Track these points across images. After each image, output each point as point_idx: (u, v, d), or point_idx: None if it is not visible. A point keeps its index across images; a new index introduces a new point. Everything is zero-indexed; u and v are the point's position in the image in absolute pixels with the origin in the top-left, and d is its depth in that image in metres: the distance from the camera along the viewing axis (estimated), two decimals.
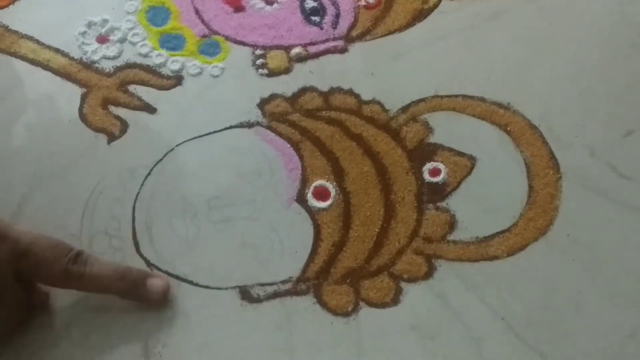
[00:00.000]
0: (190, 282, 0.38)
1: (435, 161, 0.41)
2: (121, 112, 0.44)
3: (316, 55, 0.46)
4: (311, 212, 0.40)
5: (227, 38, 0.47)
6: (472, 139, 0.42)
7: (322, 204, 0.40)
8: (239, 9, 0.49)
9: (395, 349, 0.35)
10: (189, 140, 0.43)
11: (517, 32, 0.47)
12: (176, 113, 0.44)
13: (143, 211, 0.40)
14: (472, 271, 0.38)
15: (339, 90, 0.45)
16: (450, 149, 0.42)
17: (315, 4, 0.49)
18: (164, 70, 0.46)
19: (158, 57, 0.46)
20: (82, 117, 0.44)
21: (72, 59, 0.46)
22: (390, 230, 0.39)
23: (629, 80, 0.44)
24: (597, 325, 0.36)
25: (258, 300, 0.37)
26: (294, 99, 0.44)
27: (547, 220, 0.39)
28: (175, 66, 0.46)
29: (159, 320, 0.36)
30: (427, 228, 0.39)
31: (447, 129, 0.43)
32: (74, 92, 0.45)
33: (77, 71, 0.46)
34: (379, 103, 0.44)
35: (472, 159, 0.41)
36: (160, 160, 0.42)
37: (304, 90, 0.45)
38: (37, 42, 0.47)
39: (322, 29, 0.48)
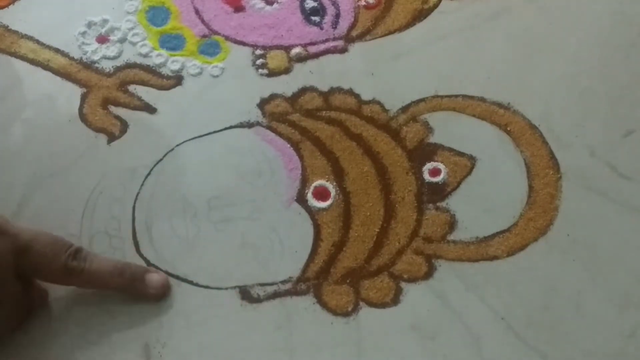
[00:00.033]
0: (190, 282, 0.38)
1: (435, 161, 0.41)
2: (121, 112, 0.44)
3: (316, 55, 0.46)
4: (311, 212, 0.40)
5: (227, 38, 0.47)
6: (472, 139, 0.42)
7: (322, 204, 0.40)
8: (239, 9, 0.49)
9: (395, 349, 0.35)
10: (189, 140, 0.43)
11: (517, 32, 0.47)
12: (176, 113, 0.44)
13: (143, 211, 0.40)
14: (472, 271, 0.38)
15: (339, 90, 0.45)
16: (450, 149, 0.42)
17: (315, 4, 0.49)
18: (164, 70, 0.46)
19: (158, 57, 0.46)
20: (82, 117, 0.44)
21: (72, 59, 0.46)
22: (390, 230, 0.39)
23: (629, 80, 0.44)
24: (597, 325, 0.36)
25: (258, 300, 0.37)
26: (294, 99, 0.44)
27: (547, 220, 0.39)
28: (175, 66, 0.46)
29: (159, 320, 0.36)
30: (427, 228, 0.39)
31: (447, 129, 0.43)
32: (74, 92, 0.45)
33: (77, 71, 0.46)
34: (379, 103, 0.44)
35: (472, 159, 0.41)
36: (160, 160, 0.42)
37: (304, 90, 0.45)
38: (37, 42, 0.47)
39: (322, 29, 0.48)
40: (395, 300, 0.37)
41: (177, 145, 0.43)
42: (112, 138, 0.43)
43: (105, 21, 0.48)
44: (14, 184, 0.41)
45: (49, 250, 0.34)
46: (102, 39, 0.47)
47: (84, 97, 0.45)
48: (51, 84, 0.45)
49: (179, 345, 0.36)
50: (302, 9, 0.49)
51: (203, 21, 0.48)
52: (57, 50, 0.47)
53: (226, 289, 0.38)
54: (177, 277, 0.38)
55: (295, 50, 0.46)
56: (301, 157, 0.42)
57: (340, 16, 0.48)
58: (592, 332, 0.35)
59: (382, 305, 0.37)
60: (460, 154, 0.42)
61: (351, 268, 0.38)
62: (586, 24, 0.47)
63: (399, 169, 0.41)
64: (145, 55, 0.46)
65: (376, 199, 0.40)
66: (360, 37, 0.47)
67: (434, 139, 0.42)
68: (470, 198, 0.40)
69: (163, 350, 0.36)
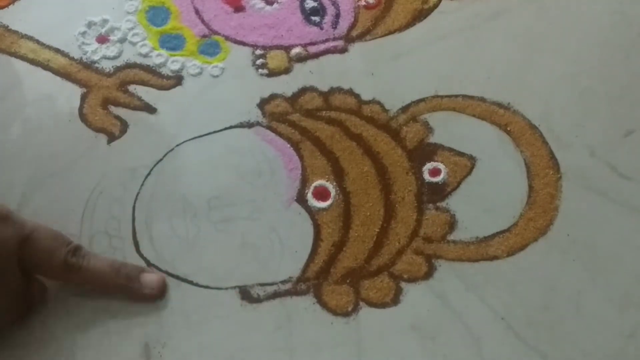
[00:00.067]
0: (190, 282, 0.38)
1: (435, 161, 0.41)
2: (121, 112, 0.44)
3: (316, 55, 0.46)
4: (311, 212, 0.40)
5: (227, 38, 0.47)
6: (472, 139, 0.42)
7: (322, 204, 0.40)
8: (239, 9, 0.49)
9: (395, 349, 0.35)
10: (189, 140, 0.43)
11: (517, 32, 0.47)
12: (176, 113, 0.44)
13: (143, 211, 0.40)
14: (472, 271, 0.38)
15: (339, 90, 0.45)
16: (450, 149, 0.42)
17: (315, 4, 0.49)
18: (164, 70, 0.46)
19: (158, 57, 0.46)
20: (82, 117, 0.44)
21: (72, 59, 0.46)
22: (390, 230, 0.39)
23: (629, 80, 0.44)
24: (597, 325, 0.36)
25: (258, 300, 0.37)
26: (294, 99, 0.44)
27: (547, 220, 0.39)
28: (175, 66, 0.46)
29: (159, 320, 0.36)
30: (427, 228, 0.39)
31: (447, 129, 0.43)
32: (74, 92, 0.45)
33: (77, 71, 0.46)
34: (379, 103, 0.44)
35: (472, 159, 0.41)
36: (160, 160, 0.42)
37: (304, 90, 0.45)
38: (37, 42, 0.47)
39: (322, 29, 0.48)
40: (395, 300, 0.37)
41: (177, 145, 0.43)
42: (112, 138, 0.43)
43: (105, 21, 0.48)
44: (14, 184, 0.41)
45: (50, 244, 0.35)
46: (102, 39, 0.47)
47: (84, 97, 0.44)
48: (51, 84, 0.45)
49: (179, 345, 0.36)
50: (302, 9, 0.49)
51: (203, 21, 0.48)
52: (57, 50, 0.47)
53: (226, 289, 0.38)
54: (177, 277, 0.38)
55: (295, 50, 0.46)
56: (301, 157, 0.42)
57: (340, 16, 0.48)
58: (592, 332, 0.35)
59: (382, 305, 0.37)
60: (460, 154, 0.42)
61: (351, 268, 0.38)
62: (586, 24, 0.47)
63: (399, 169, 0.41)
64: (145, 55, 0.46)
65: (376, 199, 0.40)
66: (360, 37, 0.47)
67: (434, 139, 0.42)
68: (470, 198, 0.40)
69: (163, 350, 0.36)
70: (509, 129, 0.42)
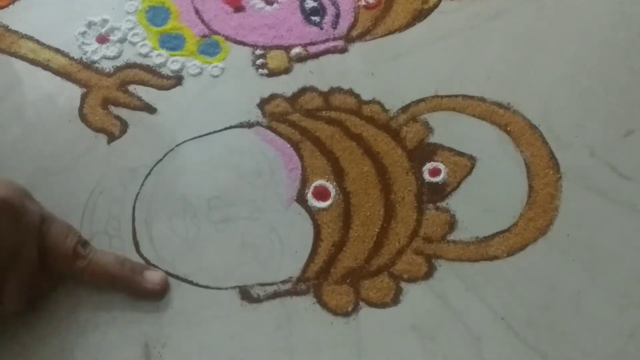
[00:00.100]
0: (190, 282, 0.38)
1: (435, 161, 0.41)
2: (121, 112, 0.44)
3: (316, 55, 0.46)
4: (311, 212, 0.40)
5: (227, 38, 0.47)
6: (472, 139, 0.42)
7: (322, 204, 0.40)
8: (239, 9, 0.49)
9: (395, 349, 0.35)
10: (189, 140, 0.43)
11: (517, 32, 0.47)
12: (176, 113, 0.44)
13: (143, 211, 0.40)
14: (472, 271, 0.38)
15: (339, 90, 0.45)
16: (450, 149, 0.42)
17: (315, 4, 0.49)
18: (164, 70, 0.46)
19: (158, 57, 0.46)
20: (82, 117, 0.44)
21: (72, 59, 0.46)
22: (390, 230, 0.39)
23: (629, 80, 0.44)
24: (597, 325, 0.36)
25: (258, 300, 0.37)
26: (294, 99, 0.44)
27: (547, 220, 0.39)
28: (175, 66, 0.46)
29: (159, 320, 0.36)
30: (427, 228, 0.39)
31: (447, 129, 0.43)
32: (74, 92, 0.45)
33: (77, 71, 0.46)
34: (379, 103, 0.44)
35: (472, 159, 0.41)
36: (160, 160, 0.42)
37: (304, 90, 0.45)
38: (37, 42, 0.47)
39: (322, 29, 0.48)
40: (395, 300, 0.37)
41: (177, 145, 0.43)
42: (112, 138, 0.43)
43: (105, 21, 0.48)
44: None
45: (63, 230, 0.36)
46: (102, 39, 0.47)
47: (84, 97, 0.44)
48: (51, 84, 0.45)
49: (179, 345, 0.36)
50: (302, 9, 0.49)
51: (203, 21, 0.48)
52: (57, 50, 0.47)
53: (226, 289, 0.38)
54: (177, 277, 0.38)
55: (295, 50, 0.46)
56: (301, 157, 0.42)
57: (340, 16, 0.48)
58: (592, 332, 0.35)
59: (382, 305, 0.37)
60: (460, 154, 0.42)
61: (351, 268, 0.38)
62: (586, 24, 0.47)
63: (399, 169, 0.41)
64: (145, 55, 0.46)
65: (376, 199, 0.40)
66: (360, 37, 0.47)
67: (434, 139, 0.42)
68: (470, 198, 0.40)
69: (163, 350, 0.36)
70: (509, 129, 0.42)
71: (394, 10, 0.48)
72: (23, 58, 0.46)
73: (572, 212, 0.39)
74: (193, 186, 0.41)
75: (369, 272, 0.38)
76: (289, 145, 0.42)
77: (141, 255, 0.38)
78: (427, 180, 0.41)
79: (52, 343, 0.36)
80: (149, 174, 0.41)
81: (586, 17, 0.47)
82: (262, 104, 0.44)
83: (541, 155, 0.41)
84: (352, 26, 0.48)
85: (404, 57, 0.46)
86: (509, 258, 0.38)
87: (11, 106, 0.44)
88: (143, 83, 0.45)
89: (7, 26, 0.48)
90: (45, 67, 0.46)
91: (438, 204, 0.40)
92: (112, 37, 0.47)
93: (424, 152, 0.42)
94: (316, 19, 0.48)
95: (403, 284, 0.37)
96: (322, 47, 0.47)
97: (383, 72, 0.45)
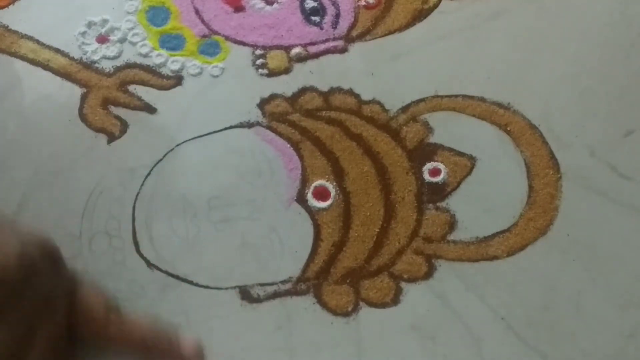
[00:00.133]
0: (190, 282, 0.38)
1: (435, 161, 0.41)
2: (121, 112, 0.44)
3: (316, 55, 0.46)
4: (311, 212, 0.40)
5: (227, 38, 0.47)
6: (472, 139, 0.42)
7: (322, 204, 0.40)
8: (239, 9, 0.49)
9: (395, 349, 0.35)
10: (189, 140, 0.43)
11: (517, 32, 0.47)
12: (176, 113, 0.44)
13: (143, 211, 0.40)
14: (472, 271, 0.38)
15: (339, 90, 0.45)
16: (450, 149, 0.42)
17: (315, 4, 0.49)
18: (164, 70, 0.46)
19: (158, 57, 0.46)
20: (82, 117, 0.44)
21: (72, 59, 0.46)
22: (390, 230, 0.39)
23: (629, 80, 0.44)
24: (597, 325, 0.36)
25: (258, 300, 0.37)
26: (294, 99, 0.44)
27: (547, 220, 0.39)
28: (175, 66, 0.46)
29: (159, 320, 0.36)
30: (427, 228, 0.39)
31: (447, 129, 0.43)
32: (74, 92, 0.45)
33: (77, 71, 0.46)
34: (379, 103, 0.44)
35: (472, 159, 0.41)
36: (160, 160, 0.42)
37: (304, 90, 0.45)
38: (37, 42, 0.47)
39: (322, 29, 0.48)
40: (395, 300, 0.37)
41: (177, 145, 0.43)
42: (112, 138, 0.43)
43: (105, 21, 0.48)
44: (14, 184, 0.41)
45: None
46: (102, 39, 0.47)
47: (84, 97, 0.44)
48: (51, 84, 0.45)
49: None
50: (302, 9, 0.49)
51: (203, 21, 0.48)
52: (57, 50, 0.47)
53: (226, 289, 0.38)
54: (177, 277, 0.38)
55: (295, 50, 0.46)
56: (301, 157, 0.42)
57: (340, 16, 0.48)
58: (592, 332, 0.35)
59: (382, 305, 0.37)
60: (460, 154, 0.42)
61: (351, 268, 0.38)
62: (586, 23, 0.47)
63: (399, 169, 0.41)
64: (145, 55, 0.46)
65: (376, 199, 0.40)
66: (360, 37, 0.47)
67: (434, 139, 0.42)
68: (470, 198, 0.40)
69: None
70: (509, 129, 0.42)
71: (394, 10, 0.48)
72: (23, 58, 0.46)
73: (572, 212, 0.39)
74: (193, 186, 0.41)
75: (369, 272, 0.38)
76: (289, 145, 0.42)
77: (141, 255, 0.38)
78: (427, 180, 0.41)
79: None
80: (149, 174, 0.41)
81: (586, 17, 0.47)
82: (262, 104, 0.44)
83: (541, 155, 0.41)
84: (352, 26, 0.48)
85: (404, 57, 0.46)
86: (509, 258, 0.38)
87: (11, 106, 0.44)
88: (143, 83, 0.45)
89: (7, 26, 0.48)
90: (45, 67, 0.46)
91: (438, 204, 0.40)
92: (112, 37, 0.47)
93: (424, 152, 0.42)
94: (316, 19, 0.48)
95: (403, 284, 0.37)
96: (322, 47, 0.47)
97: (383, 72, 0.45)
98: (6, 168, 0.42)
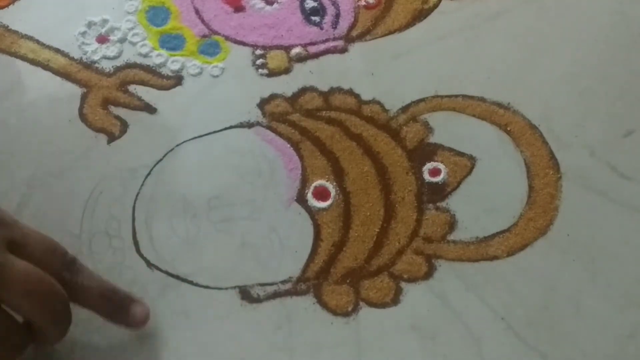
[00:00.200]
0: (190, 282, 0.38)
1: (435, 161, 0.41)
2: (121, 112, 0.44)
3: (316, 55, 0.46)
4: (311, 212, 0.40)
5: (227, 38, 0.47)
6: (472, 139, 0.42)
7: (322, 204, 0.40)
8: (239, 9, 0.49)
9: (395, 349, 0.35)
10: (189, 140, 0.43)
11: (517, 32, 0.47)
12: (176, 113, 0.44)
13: (143, 211, 0.40)
14: (472, 271, 0.38)
15: (339, 90, 0.45)
16: (450, 149, 0.42)
17: (315, 4, 0.49)
18: (164, 70, 0.46)
19: (158, 57, 0.46)
20: (82, 117, 0.44)
21: (72, 59, 0.46)
22: (390, 230, 0.39)
23: (629, 80, 0.44)
24: (597, 325, 0.36)
25: (258, 300, 0.37)
26: (294, 99, 0.44)
27: (547, 220, 0.39)
28: (175, 66, 0.46)
29: (158, 320, 0.36)
30: (427, 228, 0.39)
31: (447, 129, 0.43)
32: (74, 92, 0.45)
33: (77, 71, 0.46)
34: (379, 103, 0.44)
35: (472, 159, 0.41)
36: (160, 160, 0.42)
37: (304, 90, 0.45)
38: (37, 42, 0.47)
39: (322, 29, 0.48)
40: (395, 300, 0.37)
41: (177, 145, 0.43)
42: (112, 138, 0.43)
43: (105, 21, 0.48)
44: (14, 184, 0.41)
45: (43, 255, 0.32)
46: (102, 39, 0.47)
47: (84, 97, 0.44)
48: (51, 84, 0.45)
49: (179, 345, 0.36)
50: (302, 9, 0.49)
51: (203, 21, 0.48)
52: (57, 50, 0.47)
53: (226, 289, 0.38)
54: (177, 277, 0.38)
55: (295, 50, 0.46)
56: (301, 157, 0.42)
57: (340, 16, 0.48)
58: (592, 332, 0.35)
59: (382, 305, 0.37)
60: (460, 154, 0.42)
61: (351, 268, 0.38)
62: (586, 24, 0.47)
63: (399, 169, 0.41)
64: (145, 55, 0.46)
65: (376, 199, 0.40)
66: (360, 37, 0.47)
67: (434, 139, 0.42)
68: (470, 198, 0.40)
69: (163, 350, 0.36)
70: (509, 129, 0.42)
71: (394, 10, 0.48)
72: (23, 58, 0.46)
73: (572, 212, 0.39)
74: (193, 186, 0.41)
75: (369, 272, 0.38)
76: (289, 145, 0.42)
77: (141, 255, 0.38)
78: (427, 180, 0.41)
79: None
80: (149, 174, 0.41)
81: (586, 17, 0.47)
82: (262, 104, 0.44)
83: (541, 155, 0.41)
84: (352, 26, 0.48)
85: (404, 57, 0.46)
86: (509, 258, 0.38)
87: (11, 106, 0.44)
88: (143, 83, 0.45)
89: (7, 26, 0.48)
90: (45, 67, 0.46)
91: (438, 204, 0.40)
92: (112, 37, 0.47)
93: (424, 152, 0.42)
94: (316, 19, 0.48)
95: (403, 284, 0.37)
96: (322, 47, 0.47)
97: (383, 72, 0.45)
98: (6, 168, 0.42)
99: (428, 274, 0.38)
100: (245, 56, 0.46)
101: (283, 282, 0.38)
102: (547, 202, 0.39)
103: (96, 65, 0.46)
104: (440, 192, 0.40)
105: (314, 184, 0.41)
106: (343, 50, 0.47)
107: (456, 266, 0.38)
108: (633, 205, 0.39)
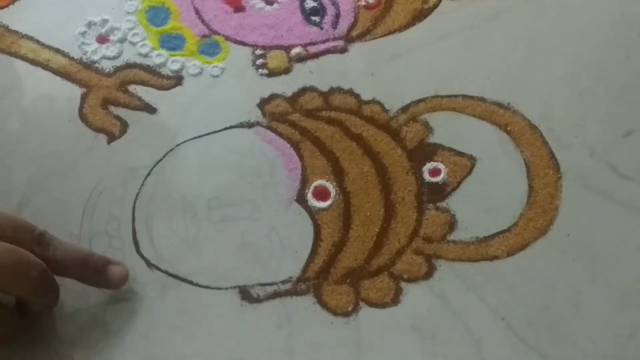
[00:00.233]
0: (190, 282, 0.38)
1: (435, 161, 0.41)
2: (121, 112, 0.44)
3: (316, 55, 0.46)
4: (311, 212, 0.40)
5: (227, 38, 0.47)
6: (472, 139, 0.42)
7: (322, 204, 0.40)
8: (239, 9, 0.49)
9: (395, 349, 0.35)
10: (189, 140, 0.43)
11: (517, 32, 0.47)
12: (176, 113, 0.44)
13: (143, 211, 0.40)
14: (472, 271, 0.38)
15: (339, 90, 0.45)
16: (450, 149, 0.42)
17: (315, 4, 0.49)
18: (164, 70, 0.46)
19: (158, 57, 0.46)
20: (82, 117, 0.44)
21: (72, 59, 0.46)
22: (390, 230, 0.39)
23: (629, 80, 0.44)
24: (597, 325, 0.36)
25: (258, 300, 0.37)
26: (294, 99, 0.44)
27: (547, 220, 0.39)
28: (175, 66, 0.46)
29: (158, 320, 0.36)
30: (427, 228, 0.39)
31: (447, 129, 0.43)
32: (74, 92, 0.45)
33: (77, 71, 0.46)
34: (379, 103, 0.44)
35: (472, 159, 0.41)
36: (160, 160, 0.42)
37: (304, 90, 0.45)
38: (37, 42, 0.47)
39: (322, 29, 0.48)
40: (395, 300, 0.37)
41: (177, 145, 0.43)
42: (112, 138, 0.43)
43: (105, 21, 0.48)
44: (14, 184, 0.41)
45: (12, 233, 0.32)
46: (102, 39, 0.47)
47: (84, 97, 0.45)
48: (51, 84, 0.45)
49: (179, 346, 0.36)
50: (302, 9, 0.49)
51: (203, 21, 0.48)
52: (57, 50, 0.47)
53: (226, 289, 0.38)
54: (177, 277, 0.38)
55: (295, 50, 0.46)
56: (301, 157, 0.42)
57: (340, 16, 0.48)
58: (592, 332, 0.35)
59: (382, 305, 0.37)
60: (460, 154, 0.42)
61: (351, 268, 0.38)
62: (586, 24, 0.47)
63: (399, 169, 0.41)
64: (145, 55, 0.46)
65: (376, 199, 0.40)
66: (360, 37, 0.47)
67: (434, 139, 0.42)
68: (470, 198, 0.40)
69: (163, 350, 0.36)
70: (509, 129, 0.42)
71: (394, 10, 0.48)
72: (23, 58, 0.46)
73: (572, 212, 0.39)
74: (193, 186, 0.41)
75: (369, 272, 0.38)
76: (289, 145, 0.42)
77: (141, 255, 0.38)
78: (427, 180, 0.41)
79: (52, 345, 0.36)
80: (149, 174, 0.41)
81: (586, 17, 0.47)
82: (262, 104, 0.44)
83: (541, 155, 0.41)
84: (352, 26, 0.48)
85: (404, 57, 0.46)
86: (509, 258, 0.38)
87: (11, 106, 0.44)
88: (143, 83, 0.45)
89: (7, 26, 0.48)
90: (45, 67, 0.46)
91: (438, 204, 0.40)
92: (112, 37, 0.47)
93: (424, 152, 0.42)
94: (316, 19, 0.48)
95: (403, 284, 0.37)
96: (322, 47, 0.47)
97: (383, 72, 0.45)
98: (6, 168, 0.42)
99: (428, 274, 0.38)
100: (245, 56, 0.46)
101: (283, 282, 0.38)
102: (547, 202, 0.39)
103: (96, 65, 0.46)
104: (440, 192, 0.40)
105: (314, 184, 0.41)
106: (343, 50, 0.47)
107: (456, 266, 0.38)
108: (633, 205, 0.39)
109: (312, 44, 0.47)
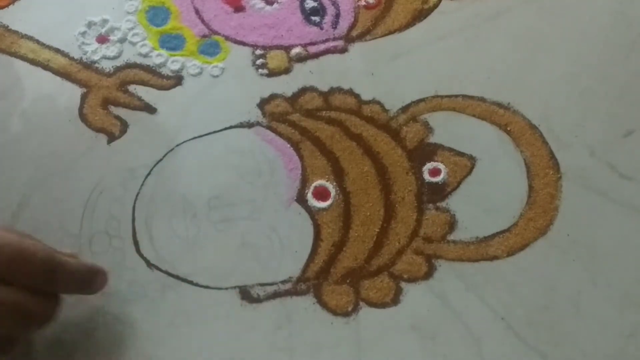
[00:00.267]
0: (190, 282, 0.38)
1: (435, 161, 0.41)
2: (121, 112, 0.44)
3: (316, 55, 0.46)
4: (311, 212, 0.40)
5: (227, 38, 0.47)
6: (472, 139, 0.42)
7: (322, 204, 0.40)
8: (239, 9, 0.49)
9: (395, 349, 0.35)
10: (189, 140, 0.43)
11: (517, 32, 0.47)
12: (176, 113, 0.44)
13: (143, 211, 0.40)
14: (472, 271, 0.38)
15: (339, 90, 0.45)
16: (450, 149, 0.42)
17: (315, 4, 0.49)
18: (164, 70, 0.46)
19: (158, 57, 0.46)
20: (82, 117, 0.44)
21: (72, 59, 0.46)
22: (390, 230, 0.39)
23: (629, 80, 0.44)
24: (597, 325, 0.36)
25: (258, 300, 0.37)
26: (294, 99, 0.44)
27: (547, 220, 0.39)
28: (175, 66, 0.46)
29: (158, 320, 0.36)
30: (427, 228, 0.39)
31: (447, 129, 0.43)
32: (74, 92, 0.45)
33: (77, 71, 0.46)
34: (379, 103, 0.44)
35: (472, 159, 0.41)
36: (160, 160, 0.42)
37: (304, 90, 0.45)
38: (37, 42, 0.47)
39: (322, 29, 0.48)
40: (395, 300, 0.37)
41: (177, 145, 0.43)
42: (112, 138, 0.43)
43: (105, 21, 0.48)
44: (14, 184, 0.41)
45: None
46: (102, 39, 0.47)
47: (84, 97, 0.45)
48: (51, 84, 0.45)
49: (179, 346, 0.36)
50: (302, 9, 0.49)
51: (203, 21, 0.48)
52: (57, 50, 0.47)
53: (226, 289, 0.38)
54: (177, 277, 0.38)
55: (295, 50, 0.46)
56: (301, 157, 0.42)
57: (340, 16, 0.48)
58: (592, 332, 0.35)
59: (382, 305, 0.37)
60: (460, 154, 0.42)
61: (351, 268, 0.38)
62: (586, 24, 0.47)
63: (399, 169, 0.41)
64: (145, 55, 0.46)
65: (376, 199, 0.40)
66: (360, 37, 0.47)
67: (434, 139, 0.42)
68: (470, 198, 0.40)
69: (163, 350, 0.36)
70: (509, 129, 0.42)
71: (394, 10, 0.48)
72: (23, 58, 0.46)
73: (572, 212, 0.39)
74: (193, 186, 0.41)
75: (369, 272, 0.38)
76: (289, 145, 0.42)
77: (141, 255, 0.38)
78: (427, 180, 0.41)
79: (51, 346, 0.36)
80: (149, 174, 0.41)
81: (586, 17, 0.47)
82: (262, 104, 0.44)
83: (541, 155, 0.41)
84: (352, 26, 0.48)
85: (404, 57, 0.46)
86: (509, 258, 0.38)
87: (11, 106, 0.44)
88: (143, 83, 0.45)
89: (7, 26, 0.48)
90: (45, 67, 0.46)
91: (438, 204, 0.40)
92: (112, 37, 0.47)
93: (424, 152, 0.42)
94: (316, 19, 0.48)
95: (403, 284, 0.37)
96: (322, 47, 0.47)
97: (383, 72, 0.45)
98: (6, 168, 0.42)
99: (428, 274, 0.38)
100: (245, 56, 0.46)
101: (283, 282, 0.38)
102: (547, 202, 0.39)
103: (96, 65, 0.46)
104: (440, 192, 0.40)
105: (314, 184, 0.41)
106: (343, 50, 0.47)
107: (456, 266, 0.38)
108: (633, 205, 0.39)
109: (312, 44, 0.47)
